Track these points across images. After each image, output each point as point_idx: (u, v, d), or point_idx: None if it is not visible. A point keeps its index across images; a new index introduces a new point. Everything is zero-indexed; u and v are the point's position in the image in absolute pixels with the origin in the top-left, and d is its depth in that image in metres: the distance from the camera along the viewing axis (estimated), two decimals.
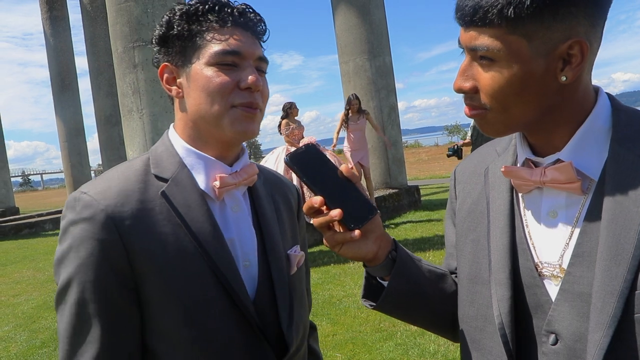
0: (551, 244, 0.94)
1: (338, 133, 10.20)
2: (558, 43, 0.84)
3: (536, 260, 0.96)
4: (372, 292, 1.11)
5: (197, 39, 1.11)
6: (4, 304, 7.28)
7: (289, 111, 9.19)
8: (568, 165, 0.89)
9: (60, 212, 19.14)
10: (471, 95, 0.93)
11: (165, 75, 1.17)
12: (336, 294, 6.00)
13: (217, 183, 1.12)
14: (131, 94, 6.57)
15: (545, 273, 0.95)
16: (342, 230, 0.98)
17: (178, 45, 1.13)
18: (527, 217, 0.98)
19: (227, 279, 1.09)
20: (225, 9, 1.12)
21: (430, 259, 6.93)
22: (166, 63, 1.16)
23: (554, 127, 0.92)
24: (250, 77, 1.09)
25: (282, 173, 8.54)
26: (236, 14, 1.13)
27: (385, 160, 11.46)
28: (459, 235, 1.11)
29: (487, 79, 0.89)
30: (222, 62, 1.10)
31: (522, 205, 1.00)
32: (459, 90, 0.94)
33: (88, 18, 15.65)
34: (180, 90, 1.16)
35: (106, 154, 14.89)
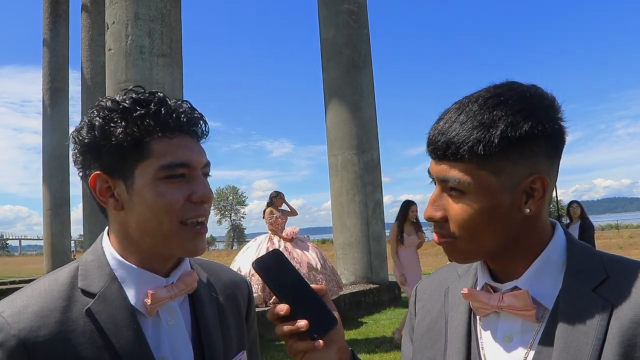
0: None
1: (397, 252, 7.69)
2: (523, 178, 0.91)
3: None
4: None
5: (140, 149, 1.01)
6: None
7: (274, 200, 9.28)
8: (525, 293, 0.93)
9: (34, 280, 18.81)
10: (441, 224, 0.97)
11: (98, 186, 1.05)
12: None
13: (148, 300, 1.03)
14: None
15: None
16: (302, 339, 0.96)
17: (115, 154, 1.02)
18: (484, 339, 1.00)
19: None
20: (172, 115, 1.03)
21: None
22: (98, 172, 1.04)
23: (514, 257, 0.97)
24: (203, 192, 1.04)
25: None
26: (183, 120, 1.05)
27: (368, 255, 11.40)
28: (415, 351, 1.11)
29: (456, 209, 0.94)
30: (171, 175, 1.02)
31: (479, 327, 1.02)
32: (429, 219, 0.98)
33: (87, 92, 15.98)
34: (118, 202, 1.05)
35: (89, 226, 14.72)
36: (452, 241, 0.96)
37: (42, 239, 22.26)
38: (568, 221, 9.60)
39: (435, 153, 0.95)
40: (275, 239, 9.04)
